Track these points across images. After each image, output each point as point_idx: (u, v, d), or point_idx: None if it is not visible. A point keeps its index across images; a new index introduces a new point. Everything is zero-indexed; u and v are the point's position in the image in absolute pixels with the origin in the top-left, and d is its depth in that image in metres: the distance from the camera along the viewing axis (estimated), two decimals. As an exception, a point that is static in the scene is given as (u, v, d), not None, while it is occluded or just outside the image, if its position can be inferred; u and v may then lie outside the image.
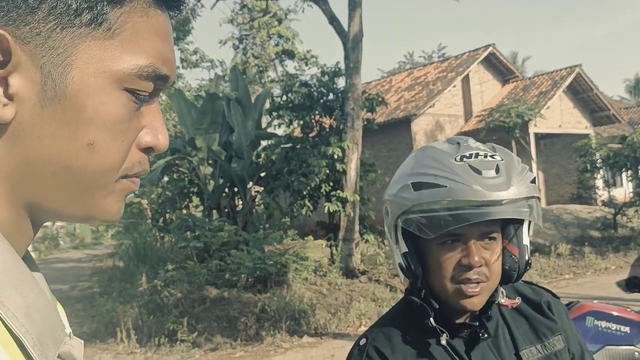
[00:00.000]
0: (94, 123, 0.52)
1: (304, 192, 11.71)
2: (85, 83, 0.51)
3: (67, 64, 0.51)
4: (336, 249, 11.20)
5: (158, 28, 0.56)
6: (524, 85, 21.47)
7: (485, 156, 1.13)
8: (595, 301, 3.67)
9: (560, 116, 20.97)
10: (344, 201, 11.04)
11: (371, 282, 10.40)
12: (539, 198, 1.15)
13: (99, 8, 0.52)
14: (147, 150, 0.58)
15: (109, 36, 0.53)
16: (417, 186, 1.13)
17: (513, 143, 17.74)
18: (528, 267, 1.19)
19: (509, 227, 1.18)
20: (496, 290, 1.18)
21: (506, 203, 1.08)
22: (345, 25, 11.46)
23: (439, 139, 20.09)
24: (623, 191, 18.53)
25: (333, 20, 11.67)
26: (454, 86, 20.54)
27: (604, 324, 3.01)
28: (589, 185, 18.21)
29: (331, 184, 11.57)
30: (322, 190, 11.54)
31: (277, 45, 28.93)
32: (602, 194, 18.22)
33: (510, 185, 1.08)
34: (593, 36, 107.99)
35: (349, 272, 10.74)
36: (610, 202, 16.24)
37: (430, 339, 1.17)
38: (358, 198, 11.22)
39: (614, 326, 3.02)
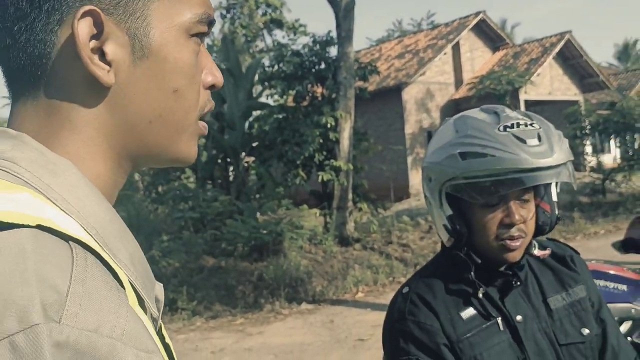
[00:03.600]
0: (176, 71, 0.60)
1: (298, 162, 11.74)
2: (164, 38, 0.60)
3: (146, 24, 0.59)
4: (330, 218, 11.30)
5: None
6: (514, 52, 21.46)
7: (526, 125, 1.21)
8: (593, 261, 3.78)
9: (550, 83, 21.04)
10: (337, 170, 11.09)
11: (366, 250, 10.54)
12: (573, 161, 1.26)
13: None
14: (210, 88, 0.66)
15: None
16: (465, 155, 1.22)
17: (503, 110, 17.81)
18: (557, 221, 1.32)
19: (540, 186, 1.29)
20: (530, 243, 1.30)
21: (550, 168, 1.18)
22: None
23: (430, 107, 20.12)
24: (611, 157, 18.75)
25: (324, -12, 11.54)
26: (445, 54, 20.49)
27: (601, 282, 3.12)
28: (579, 152, 18.40)
29: (324, 153, 11.60)
30: (315, 159, 11.58)
31: (264, 14, 28.59)
32: (591, 160, 18.43)
33: (554, 152, 1.18)
34: (582, 0, 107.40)
35: (344, 240, 10.86)
36: (599, 168, 16.46)
37: (468, 289, 1.28)
38: (351, 167, 11.28)
39: (611, 284, 3.13)
